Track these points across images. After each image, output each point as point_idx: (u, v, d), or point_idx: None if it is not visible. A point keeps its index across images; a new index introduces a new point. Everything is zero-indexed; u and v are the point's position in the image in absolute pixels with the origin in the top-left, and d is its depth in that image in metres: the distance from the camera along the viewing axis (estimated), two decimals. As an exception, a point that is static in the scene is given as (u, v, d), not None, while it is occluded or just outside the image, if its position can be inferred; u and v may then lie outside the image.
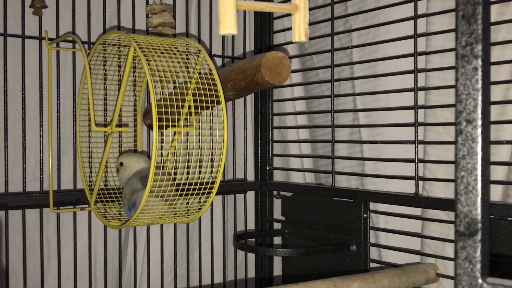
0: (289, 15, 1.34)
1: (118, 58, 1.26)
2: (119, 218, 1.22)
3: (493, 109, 1.00)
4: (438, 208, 1.05)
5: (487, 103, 0.43)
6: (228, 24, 0.46)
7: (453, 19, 1.04)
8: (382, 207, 1.19)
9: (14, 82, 1.19)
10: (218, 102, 1.08)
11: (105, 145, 1.21)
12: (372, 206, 1.20)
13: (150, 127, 1.26)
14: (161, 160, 1.23)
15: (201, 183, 1.09)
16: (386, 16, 1.18)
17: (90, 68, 1.14)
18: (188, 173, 1.12)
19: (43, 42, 1.19)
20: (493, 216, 0.97)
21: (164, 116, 1.00)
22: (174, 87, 1.10)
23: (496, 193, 1.02)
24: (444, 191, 1.08)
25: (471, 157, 0.43)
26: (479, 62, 0.42)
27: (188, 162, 1.10)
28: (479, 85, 0.42)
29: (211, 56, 1.41)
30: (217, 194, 1.16)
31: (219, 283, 1.44)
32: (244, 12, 1.46)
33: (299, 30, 0.53)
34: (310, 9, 1.34)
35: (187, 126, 1.11)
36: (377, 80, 1.22)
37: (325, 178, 1.35)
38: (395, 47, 1.16)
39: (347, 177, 1.29)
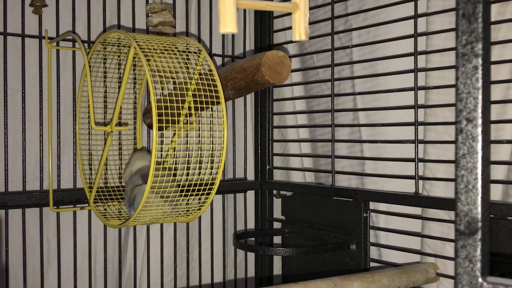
0: (289, 14, 1.34)
1: (118, 57, 1.26)
2: (119, 217, 1.22)
3: (493, 109, 1.00)
4: (438, 207, 1.05)
5: (487, 102, 0.43)
6: (228, 22, 0.46)
7: (453, 18, 1.04)
8: (382, 206, 1.19)
9: (14, 81, 1.19)
10: (218, 102, 1.08)
11: (104, 144, 1.21)
12: (372, 205, 1.20)
13: (150, 126, 1.26)
14: (161, 159, 1.22)
15: (201, 183, 1.09)
16: (386, 16, 1.18)
17: (90, 67, 1.14)
18: (188, 172, 1.12)
19: (43, 41, 1.19)
20: (493, 216, 0.97)
21: (164, 117, 1.00)
22: (174, 87, 1.10)
23: (496, 193, 1.02)
24: (444, 190, 1.08)
25: (471, 156, 0.42)
26: (480, 60, 0.42)
27: (188, 161, 1.10)
28: (480, 84, 0.42)
29: (211, 55, 1.41)
30: (217, 193, 1.16)
31: (219, 283, 1.44)
32: (244, 11, 1.46)
33: (300, 29, 0.53)
34: (310, 8, 1.34)
35: (187, 125, 1.11)
36: (377, 80, 1.21)
37: (325, 177, 1.35)
38: (395, 47, 1.16)
39: (347, 177, 1.29)
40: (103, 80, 1.26)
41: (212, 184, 1.09)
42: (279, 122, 1.46)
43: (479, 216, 0.42)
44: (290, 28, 1.40)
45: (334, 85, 1.27)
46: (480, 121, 0.42)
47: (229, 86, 1.12)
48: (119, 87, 1.27)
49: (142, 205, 1.02)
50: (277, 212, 1.45)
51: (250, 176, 1.48)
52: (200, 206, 1.12)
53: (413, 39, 1.10)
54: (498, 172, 1.02)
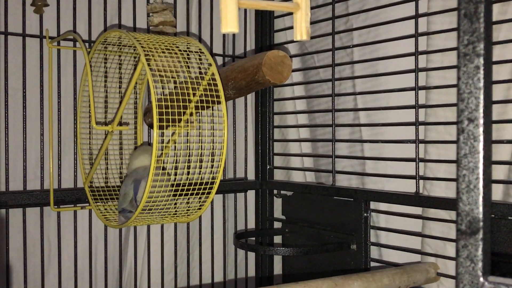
0: (290, 14, 1.34)
1: (119, 57, 1.26)
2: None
3: (494, 109, 1.00)
4: (439, 207, 1.05)
5: (489, 101, 0.43)
6: (229, 22, 0.46)
7: (454, 18, 1.04)
8: (383, 206, 1.19)
9: (15, 80, 1.19)
10: (219, 101, 1.08)
11: (102, 143, 1.21)
12: (373, 205, 1.20)
13: (150, 126, 1.26)
14: (162, 158, 1.22)
15: (201, 182, 1.09)
16: (387, 15, 1.18)
17: (90, 67, 1.14)
18: (188, 172, 1.12)
19: (44, 41, 1.19)
20: (493, 216, 0.97)
21: (164, 116, 1.00)
22: (175, 86, 1.10)
23: (497, 193, 1.02)
24: (444, 190, 1.08)
25: (472, 156, 0.42)
26: (481, 60, 0.42)
27: (189, 161, 1.10)
28: (481, 84, 0.42)
29: (212, 55, 1.41)
30: (217, 193, 1.16)
31: (219, 282, 1.44)
32: (245, 11, 1.46)
33: (301, 29, 0.53)
34: (311, 8, 1.34)
35: (188, 125, 1.11)
36: (378, 79, 1.21)
37: (326, 177, 1.35)
38: (396, 46, 1.16)
39: (348, 176, 1.29)
40: (104, 79, 1.26)
41: (213, 183, 1.09)
42: (279, 122, 1.46)
43: (481, 215, 0.42)
44: (290, 28, 1.40)
45: (334, 85, 1.27)
46: (481, 121, 0.42)
47: (230, 86, 1.12)
48: (120, 86, 1.27)
49: (142, 206, 1.02)
50: (278, 212, 1.45)
51: (251, 176, 1.48)
52: (200, 205, 1.12)
53: (414, 39, 1.10)
54: (498, 172, 1.01)
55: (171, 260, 1.36)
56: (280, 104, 1.44)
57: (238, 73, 1.10)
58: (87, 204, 1.22)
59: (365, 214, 1.19)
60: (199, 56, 1.12)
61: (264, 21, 1.45)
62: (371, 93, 1.22)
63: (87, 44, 1.24)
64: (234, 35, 1.45)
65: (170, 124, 1.02)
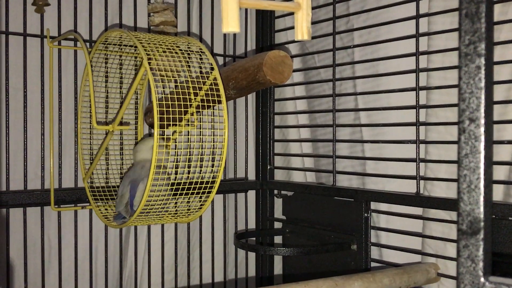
0: (291, 13, 1.34)
1: (120, 57, 1.26)
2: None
3: (495, 109, 1.00)
4: (439, 207, 1.05)
5: (490, 101, 0.43)
6: (231, 22, 0.46)
7: (455, 18, 1.04)
8: (383, 206, 1.19)
9: (16, 80, 1.19)
10: (220, 101, 1.08)
11: (103, 142, 1.21)
12: (373, 205, 1.20)
13: (151, 126, 1.26)
14: (162, 157, 1.22)
15: (202, 182, 1.09)
16: (387, 16, 1.18)
17: (91, 66, 1.14)
18: (189, 172, 1.12)
19: (45, 40, 1.19)
20: (494, 216, 0.97)
21: (165, 116, 1.00)
22: (176, 85, 1.10)
23: (498, 193, 1.02)
24: (445, 190, 1.08)
25: (473, 156, 0.42)
26: (482, 60, 0.42)
27: (189, 160, 1.10)
28: (482, 84, 0.42)
29: (213, 54, 1.40)
30: (217, 193, 1.15)
31: (220, 282, 1.44)
32: (246, 11, 1.46)
33: (302, 29, 0.53)
34: (312, 8, 1.34)
35: (188, 124, 1.11)
36: (379, 80, 1.21)
37: (326, 177, 1.35)
38: (397, 47, 1.16)
39: (348, 177, 1.29)
40: (105, 79, 1.26)
41: (213, 183, 1.09)
42: (280, 122, 1.46)
43: (482, 216, 0.42)
44: (291, 28, 1.40)
45: (335, 85, 1.27)
46: (483, 121, 0.42)
47: (231, 86, 1.12)
48: (121, 86, 1.27)
49: (142, 207, 1.02)
50: (278, 212, 1.45)
51: (251, 176, 1.48)
52: (201, 205, 1.12)
53: (414, 39, 1.10)
54: (499, 173, 1.01)
55: (172, 260, 1.35)
56: (281, 104, 1.44)
57: (239, 73, 1.10)
58: (88, 204, 1.22)
59: (366, 214, 1.19)
60: (200, 56, 1.12)
61: (265, 21, 1.45)
62: (372, 93, 1.22)
63: (88, 44, 1.24)
64: (235, 35, 1.45)
65: (171, 123, 1.02)
